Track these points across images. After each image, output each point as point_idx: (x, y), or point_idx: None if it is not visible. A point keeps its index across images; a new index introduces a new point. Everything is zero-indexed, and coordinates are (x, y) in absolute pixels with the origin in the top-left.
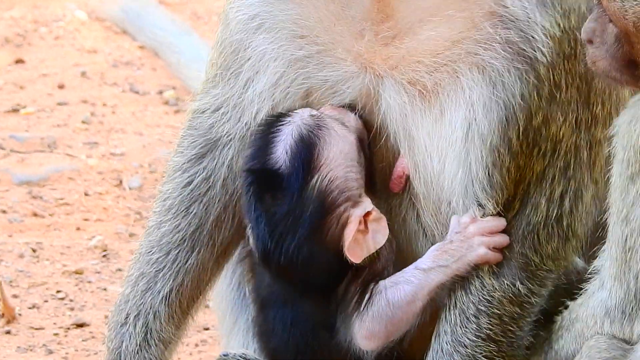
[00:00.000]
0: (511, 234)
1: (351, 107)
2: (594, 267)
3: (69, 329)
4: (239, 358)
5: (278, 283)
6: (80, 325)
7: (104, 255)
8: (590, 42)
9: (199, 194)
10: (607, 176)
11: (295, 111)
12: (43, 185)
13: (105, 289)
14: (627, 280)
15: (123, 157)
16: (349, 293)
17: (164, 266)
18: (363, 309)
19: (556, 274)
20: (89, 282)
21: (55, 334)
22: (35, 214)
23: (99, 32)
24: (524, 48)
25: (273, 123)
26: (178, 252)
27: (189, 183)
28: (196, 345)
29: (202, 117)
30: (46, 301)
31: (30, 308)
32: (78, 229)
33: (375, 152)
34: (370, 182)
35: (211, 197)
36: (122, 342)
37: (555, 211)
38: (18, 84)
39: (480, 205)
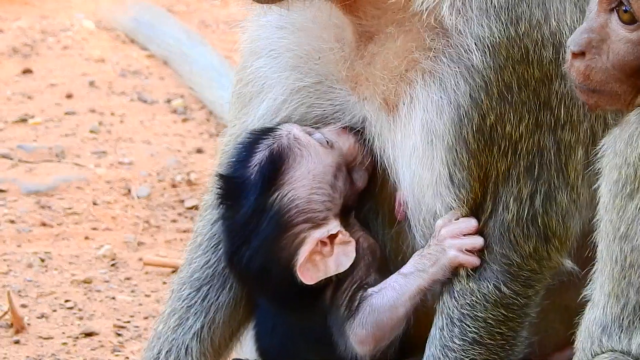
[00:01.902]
0: (489, 235)
1: (358, 131)
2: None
3: (77, 338)
4: None
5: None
6: (89, 335)
7: (113, 264)
8: (583, 54)
9: None
10: (589, 185)
11: (281, 127)
12: (51, 195)
13: (114, 298)
14: (627, 295)
15: (131, 166)
16: (337, 300)
17: (195, 302)
18: (352, 316)
19: (542, 275)
20: (98, 291)
21: (64, 344)
22: (43, 224)
23: (107, 41)
24: (465, 55)
25: (259, 136)
26: (209, 289)
27: (218, 219)
28: None
29: (226, 155)
30: (55, 311)
31: (39, 318)
32: (86, 238)
33: (383, 182)
34: (350, 207)
35: None
36: None
37: (527, 210)
38: (26, 94)
39: (450, 207)
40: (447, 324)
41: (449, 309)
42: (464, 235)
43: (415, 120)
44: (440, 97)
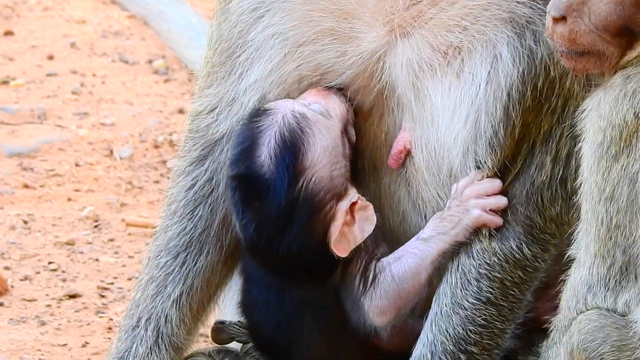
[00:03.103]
0: (515, 195)
1: (338, 89)
2: (569, 255)
3: (61, 300)
4: (234, 326)
5: (265, 270)
6: (73, 296)
7: (96, 226)
8: (564, 18)
9: (203, 195)
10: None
11: (276, 107)
12: (34, 156)
13: (97, 260)
14: (613, 255)
15: (113, 127)
16: (350, 277)
17: (173, 270)
18: (369, 288)
19: (559, 240)
20: (81, 252)
21: (48, 306)
22: (26, 186)
23: (88, 2)
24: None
25: (255, 122)
26: (186, 255)
27: (193, 185)
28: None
29: (199, 119)
30: (38, 273)
31: (22, 280)
32: (69, 199)
33: (369, 130)
34: (353, 167)
35: (215, 198)
36: (133, 344)
37: (561, 172)
38: (7, 56)
39: (479, 165)
40: (461, 283)
41: (466, 267)
42: (488, 195)
43: (481, 70)
44: (518, 44)
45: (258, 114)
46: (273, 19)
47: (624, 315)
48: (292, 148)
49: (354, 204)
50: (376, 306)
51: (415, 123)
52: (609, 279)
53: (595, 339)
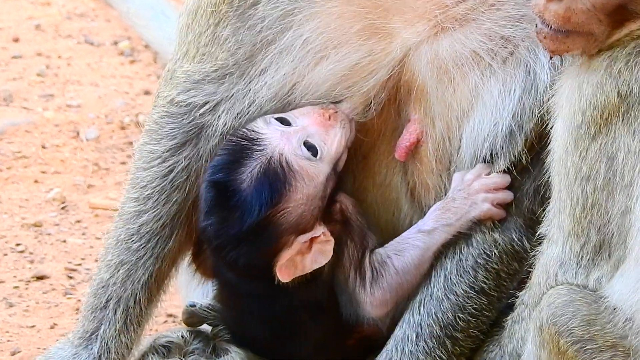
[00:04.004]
0: (522, 189)
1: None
2: (540, 233)
3: (29, 281)
4: (206, 309)
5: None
6: (41, 278)
7: (63, 207)
8: None
9: (180, 182)
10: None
11: (266, 140)
12: (0, 139)
13: (64, 241)
14: (588, 234)
15: (79, 109)
16: (342, 272)
17: (145, 254)
18: (369, 282)
19: None
20: (48, 234)
21: (16, 287)
22: None
23: None
24: None
25: (245, 143)
26: (158, 239)
27: (169, 172)
28: None
29: (186, 109)
30: (6, 254)
31: None
32: (36, 181)
33: (367, 123)
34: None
35: (191, 184)
36: (101, 326)
37: None
38: None
39: (492, 162)
40: (457, 270)
41: (463, 256)
42: (497, 189)
43: (511, 74)
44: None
45: (249, 137)
46: (301, 25)
47: (594, 291)
48: (271, 188)
49: (315, 237)
50: (377, 299)
51: (432, 116)
52: (582, 257)
53: (564, 313)
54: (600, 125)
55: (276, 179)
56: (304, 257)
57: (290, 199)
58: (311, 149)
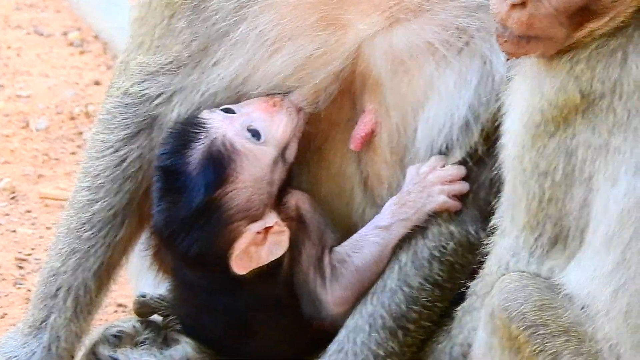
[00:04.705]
0: (477, 180)
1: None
2: (492, 225)
3: None
4: (157, 299)
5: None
6: None
7: (13, 197)
8: (523, 3)
9: (132, 171)
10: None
11: (210, 124)
12: None
13: (14, 231)
14: (543, 227)
15: (29, 99)
16: (301, 270)
17: (96, 243)
18: (329, 280)
19: None
20: None
21: None
22: None
23: None
24: None
25: (191, 128)
26: (110, 228)
27: (122, 162)
28: None
29: (140, 100)
30: None
31: None
32: None
33: (321, 114)
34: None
35: (144, 174)
36: (51, 314)
37: None
38: None
39: (448, 153)
40: (412, 262)
41: (418, 248)
42: (452, 181)
43: (467, 64)
44: None
45: (193, 123)
46: (256, 17)
47: (547, 279)
48: (215, 167)
49: (269, 227)
50: (338, 297)
51: (387, 107)
52: (536, 248)
53: (516, 298)
54: (559, 123)
55: (220, 158)
56: (259, 248)
57: (236, 180)
58: (255, 133)
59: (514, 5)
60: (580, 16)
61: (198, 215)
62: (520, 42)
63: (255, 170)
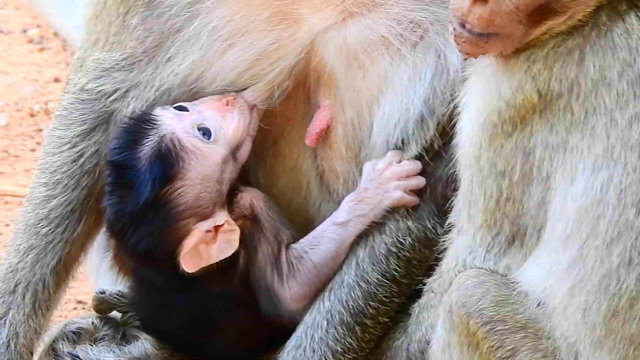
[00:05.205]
0: (434, 174)
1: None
2: (449, 223)
3: None
4: (116, 296)
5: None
6: None
7: None
8: (485, 1)
9: (89, 167)
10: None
11: (160, 121)
12: None
13: None
14: (501, 226)
15: None
16: (258, 267)
17: (54, 239)
18: (286, 277)
19: None
20: None
21: None
22: None
23: None
24: None
25: (142, 125)
26: (67, 224)
27: (79, 157)
28: None
29: (96, 97)
30: None
31: None
32: None
33: (277, 109)
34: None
35: (100, 169)
36: (9, 310)
37: None
38: None
39: (404, 148)
40: (369, 257)
41: (376, 244)
42: (408, 176)
43: (421, 58)
44: None
45: (144, 119)
46: (209, 13)
47: (503, 276)
48: (163, 164)
49: (219, 226)
50: (296, 293)
51: (342, 102)
52: (493, 247)
53: (474, 294)
54: (517, 122)
55: (168, 156)
56: (209, 246)
57: (185, 177)
58: (205, 132)
59: (475, 2)
60: (539, 14)
61: (146, 211)
62: (479, 41)
63: (203, 169)
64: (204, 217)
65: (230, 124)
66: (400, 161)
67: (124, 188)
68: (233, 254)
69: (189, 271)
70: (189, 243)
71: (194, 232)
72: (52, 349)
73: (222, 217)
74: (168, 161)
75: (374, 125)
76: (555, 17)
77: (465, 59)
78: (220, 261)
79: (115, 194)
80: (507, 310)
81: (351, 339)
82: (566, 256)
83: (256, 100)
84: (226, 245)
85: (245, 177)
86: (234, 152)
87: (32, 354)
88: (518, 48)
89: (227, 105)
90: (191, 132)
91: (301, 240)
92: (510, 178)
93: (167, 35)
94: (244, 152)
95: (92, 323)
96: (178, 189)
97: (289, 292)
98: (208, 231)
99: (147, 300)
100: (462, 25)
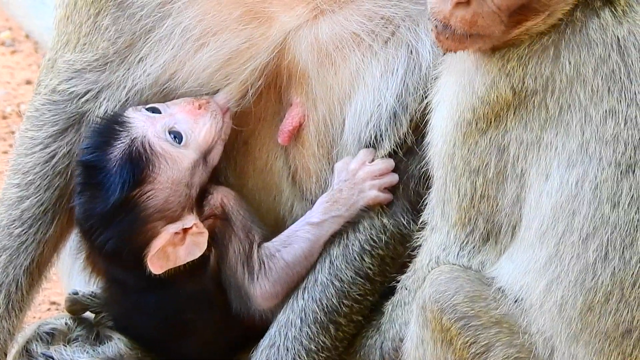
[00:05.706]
0: (407, 171)
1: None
2: (423, 220)
3: None
4: (89, 297)
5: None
6: None
7: None
8: (468, 2)
9: (61, 167)
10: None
11: (132, 124)
12: None
13: None
14: (475, 223)
15: None
16: (229, 266)
17: (27, 239)
18: (257, 275)
19: None
20: None
21: None
22: None
23: None
24: None
25: (114, 126)
26: (40, 225)
27: (51, 158)
28: None
29: (68, 98)
30: None
31: None
32: None
33: (248, 109)
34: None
35: (73, 170)
36: None
37: None
38: None
39: (377, 144)
40: (343, 255)
41: (350, 242)
42: (382, 175)
43: (392, 55)
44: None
45: (117, 120)
46: (180, 13)
47: (477, 271)
48: (133, 167)
49: (188, 228)
50: (267, 292)
51: (314, 99)
52: (467, 244)
53: (447, 289)
54: (491, 120)
55: (138, 159)
56: (176, 248)
57: (154, 181)
58: (176, 135)
59: (458, 4)
60: (519, 14)
61: (115, 213)
62: (462, 40)
63: (173, 173)
64: (173, 219)
65: (202, 128)
66: (372, 160)
67: (94, 189)
68: (203, 254)
69: (156, 272)
70: (156, 245)
71: (161, 234)
72: (25, 349)
73: (190, 220)
74: (138, 165)
75: (347, 122)
76: (535, 16)
77: (445, 53)
78: (190, 261)
79: (84, 194)
80: (481, 305)
81: (325, 337)
82: (543, 253)
83: (229, 102)
84: (194, 247)
85: (215, 177)
86: (205, 156)
87: (5, 355)
88: (495, 46)
89: (200, 108)
90: (162, 136)
91: (273, 239)
92: (485, 175)
93: (138, 36)
94: (215, 156)
95: (66, 324)
96: (147, 192)
97: (260, 290)
98: (176, 233)
99: (119, 301)
100: (447, 26)
